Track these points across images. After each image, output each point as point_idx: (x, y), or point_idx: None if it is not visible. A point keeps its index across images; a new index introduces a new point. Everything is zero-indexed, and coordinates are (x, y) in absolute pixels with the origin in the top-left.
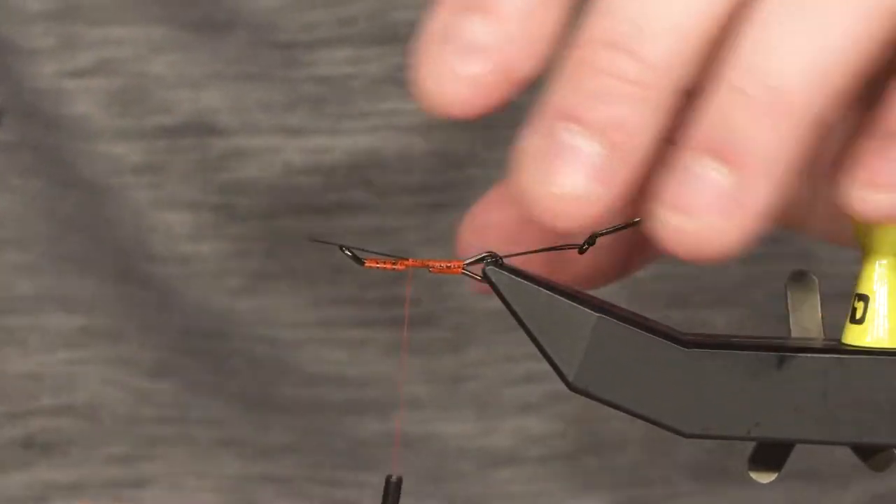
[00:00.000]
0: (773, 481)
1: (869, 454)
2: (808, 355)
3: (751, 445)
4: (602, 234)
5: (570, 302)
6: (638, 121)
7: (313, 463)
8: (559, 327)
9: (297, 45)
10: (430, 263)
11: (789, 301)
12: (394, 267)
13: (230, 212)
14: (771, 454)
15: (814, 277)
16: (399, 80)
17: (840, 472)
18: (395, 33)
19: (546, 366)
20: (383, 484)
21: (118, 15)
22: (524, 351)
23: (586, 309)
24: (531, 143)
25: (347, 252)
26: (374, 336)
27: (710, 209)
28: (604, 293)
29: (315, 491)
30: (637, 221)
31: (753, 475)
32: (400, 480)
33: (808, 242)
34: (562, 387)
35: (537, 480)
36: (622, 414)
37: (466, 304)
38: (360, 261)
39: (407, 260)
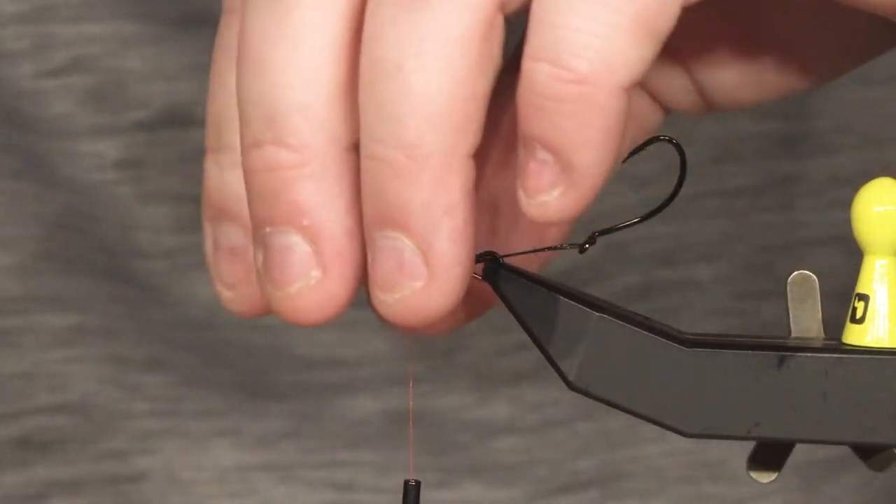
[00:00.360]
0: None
1: (869, 454)
2: (808, 355)
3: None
4: (603, 234)
5: (570, 301)
6: (314, 199)
7: (311, 447)
8: (559, 327)
9: None
10: None
11: (789, 301)
12: None
13: None
14: (771, 454)
15: (814, 278)
16: None
17: None
18: None
19: None
20: (384, 463)
21: (90, 12)
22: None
23: (586, 308)
24: (256, 258)
25: None
26: (366, 316)
27: (408, 278)
28: (593, 263)
29: (314, 475)
30: (636, 221)
31: (753, 475)
32: (419, 484)
33: (787, 194)
34: None
35: (534, 448)
36: None
37: None
38: None
39: None
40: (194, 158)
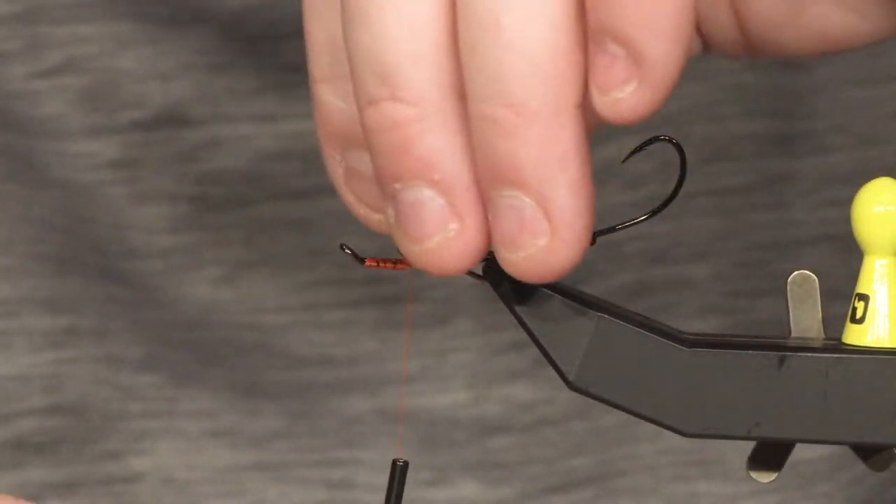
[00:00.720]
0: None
1: (869, 454)
2: (808, 355)
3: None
4: (602, 234)
5: (570, 301)
6: (439, 151)
7: (305, 446)
8: (559, 327)
9: (265, 37)
10: None
11: (789, 301)
12: (394, 267)
13: (207, 202)
14: (771, 454)
15: (814, 278)
16: None
17: None
18: None
19: None
20: (378, 461)
21: (83, 12)
22: (510, 319)
23: (586, 309)
24: (387, 212)
25: (347, 251)
26: (360, 316)
27: (530, 236)
28: (586, 262)
29: (309, 474)
30: (637, 221)
31: (753, 475)
32: (406, 465)
33: (780, 192)
34: None
35: (528, 447)
36: None
37: (449, 277)
38: (360, 260)
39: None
40: (189, 159)
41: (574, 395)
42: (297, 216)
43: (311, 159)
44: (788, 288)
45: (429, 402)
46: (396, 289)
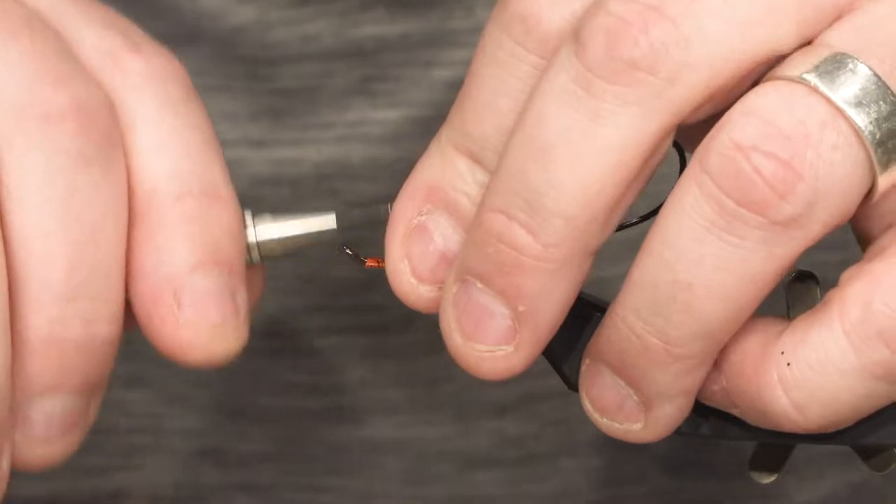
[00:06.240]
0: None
1: (869, 454)
2: None
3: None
4: None
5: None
6: (539, 290)
7: (293, 470)
8: (560, 328)
9: (259, 60)
10: None
11: (789, 299)
12: None
13: None
14: (771, 455)
15: (814, 275)
16: (365, 91)
17: (815, 463)
18: (361, 48)
19: None
20: (365, 490)
21: None
22: None
23: (587, 309)
24: (449, 292)
25: (349, 252)
26: (347, 343)
27: (624, 418)
28: None
29: (296, 497)
30: (636, 222)
31: (754, 476)
32: None
33: None
34: (537, 387)
35: (516, 482)
36: None
37: None
38: (362, 261)
39: None
40: None
41: (562, 431)
42: None
43: (301, 186)
44: (788, 286)
45: (415, 432)
46: (385, 317)
